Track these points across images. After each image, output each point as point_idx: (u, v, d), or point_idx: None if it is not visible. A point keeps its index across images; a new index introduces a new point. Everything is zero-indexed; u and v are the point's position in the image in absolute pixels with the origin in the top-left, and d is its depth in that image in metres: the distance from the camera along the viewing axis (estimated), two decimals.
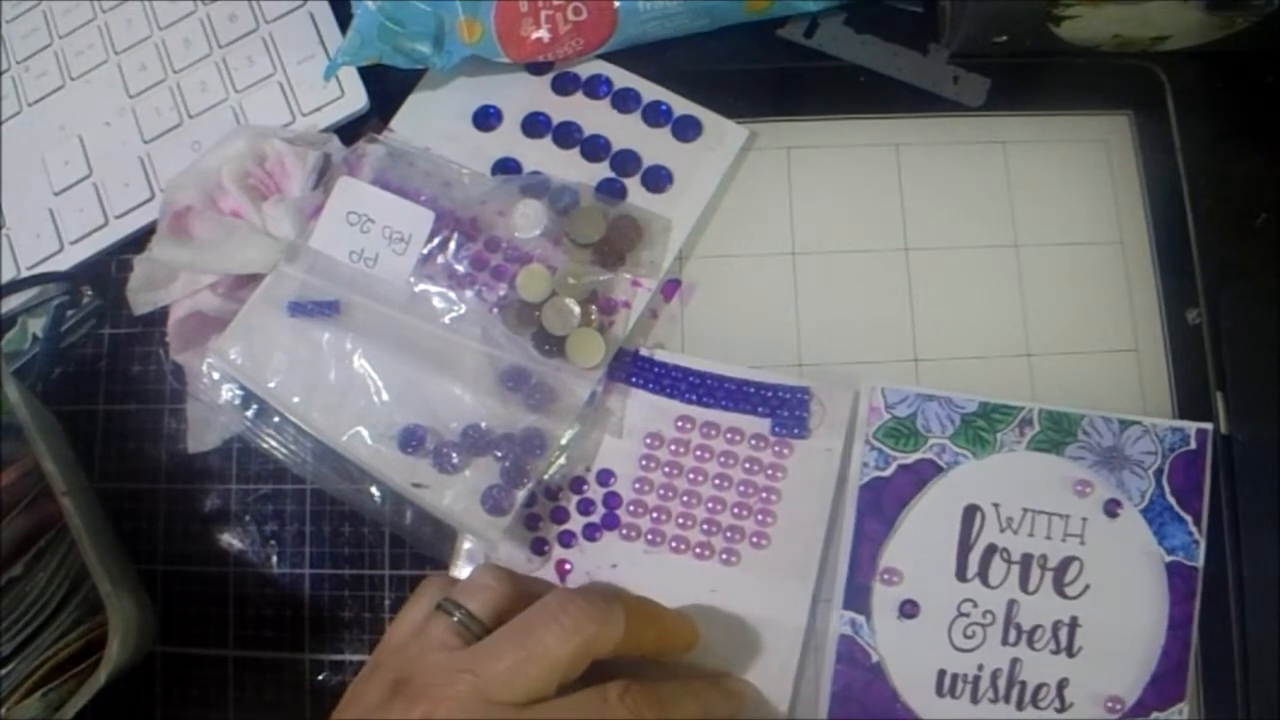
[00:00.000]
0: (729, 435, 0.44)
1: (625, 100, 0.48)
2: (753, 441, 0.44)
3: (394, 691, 0.34)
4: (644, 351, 0.45)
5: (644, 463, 0.44)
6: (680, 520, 0.44)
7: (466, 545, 0.44)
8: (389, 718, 0.33)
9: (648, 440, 0.44)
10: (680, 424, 0.44)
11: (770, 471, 0.44)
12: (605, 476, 0.44)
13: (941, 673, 0.42)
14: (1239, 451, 0.43)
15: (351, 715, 0.35)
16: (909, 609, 0.42)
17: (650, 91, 0.48)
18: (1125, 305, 0.46)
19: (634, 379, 0.45)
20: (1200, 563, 0.42)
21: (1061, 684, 0.41)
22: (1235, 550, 0.42)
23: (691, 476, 0.44)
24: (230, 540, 0.46)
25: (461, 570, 0.44)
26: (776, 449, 0.44)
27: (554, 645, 0.34)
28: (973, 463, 0.43)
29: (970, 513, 0.43)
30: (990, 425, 0.43)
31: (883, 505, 0.43)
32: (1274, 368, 0.43)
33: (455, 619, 0.36)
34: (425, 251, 0.45)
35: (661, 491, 0.44)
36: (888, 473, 0.43)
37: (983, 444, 0.43)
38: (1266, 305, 0.44)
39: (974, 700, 0.41)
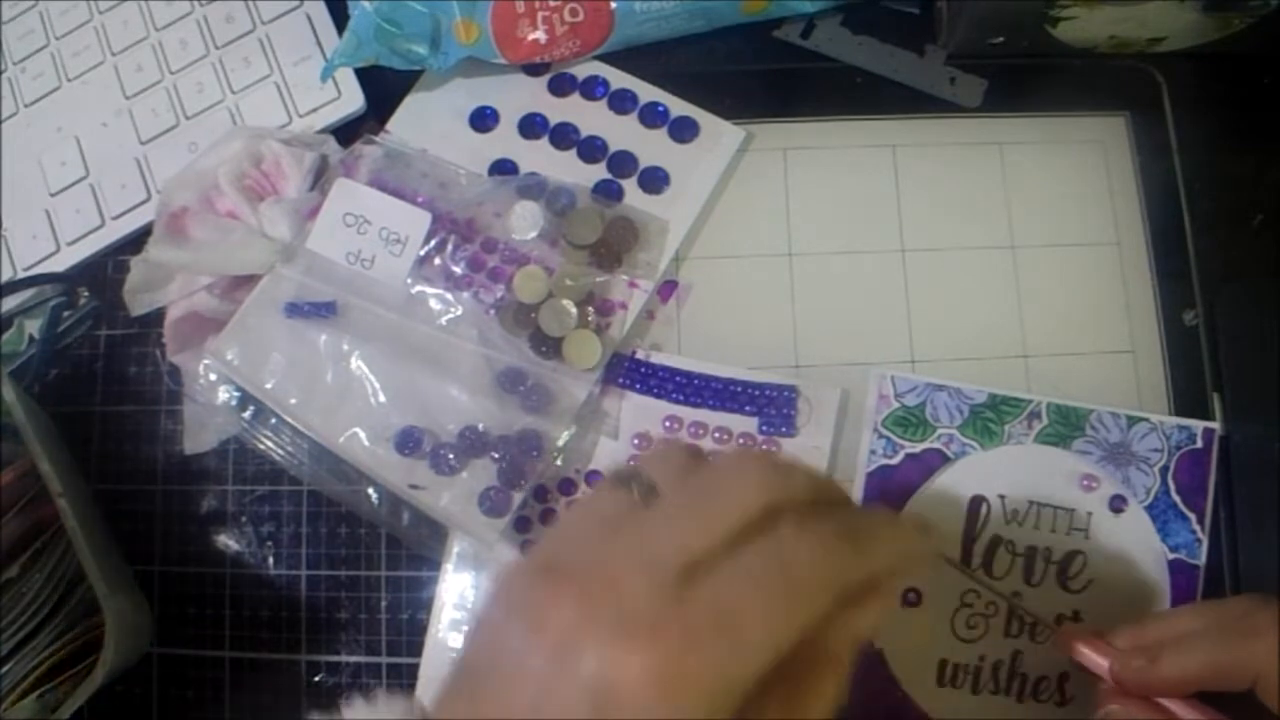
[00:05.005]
0: (717, 434, 0.44)
1: (622, 101, 0.48)
2: (741, 440, 0.44)
3: (536, 580, 0.29)
4: (636, 354, 0.45)
5: (632, 463, 0.44)
6: None
7: (457, 548, 0.44)
8: (534, 613, 0.28)
9: (635, 441, 0.44)
10: (668, 424, 0.44)
11: None
12: (594, 478, 0.44)
13: (943, 662, 0.42)
14: (1236, 452, 0.43)
15: (491, 618, 0.30)
16: (911, 597, 0.42)
17: (647, 93, 0.48)
18: (1122, 306, 0.46)
19: (622, 380, 0.45)
20: (1202, 561, 0.42)
21: (1062, 677, 0.41)
22: (1232, 549, 0.42)
23: None
24: (227, 541, 0.46)
25: (453, 570, 0.44)
26: (765, 448, 0.44)
27: (735, 499, 0.29)
28: (980, 454, 0.43)
29: (976, 503, 0.43)
30: (999, 417, 0.43)
31: (889, 493, 0.43)
32: (1271, 368, 0.43)
33: (635, 490, 0.31)
34: (422, 253, 0.45)
35: None
36: (895, 461, 0.43)
37: (991, 435, 0.43)
38: (1264, 306, 0.44)
39: (974, 691, 0.41)
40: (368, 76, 0.48)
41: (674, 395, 0.44)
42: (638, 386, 0.45)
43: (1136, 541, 0.42)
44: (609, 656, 0.26)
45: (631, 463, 0.35)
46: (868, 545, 0.30)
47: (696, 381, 0.44)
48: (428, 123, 0.48)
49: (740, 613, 0.27)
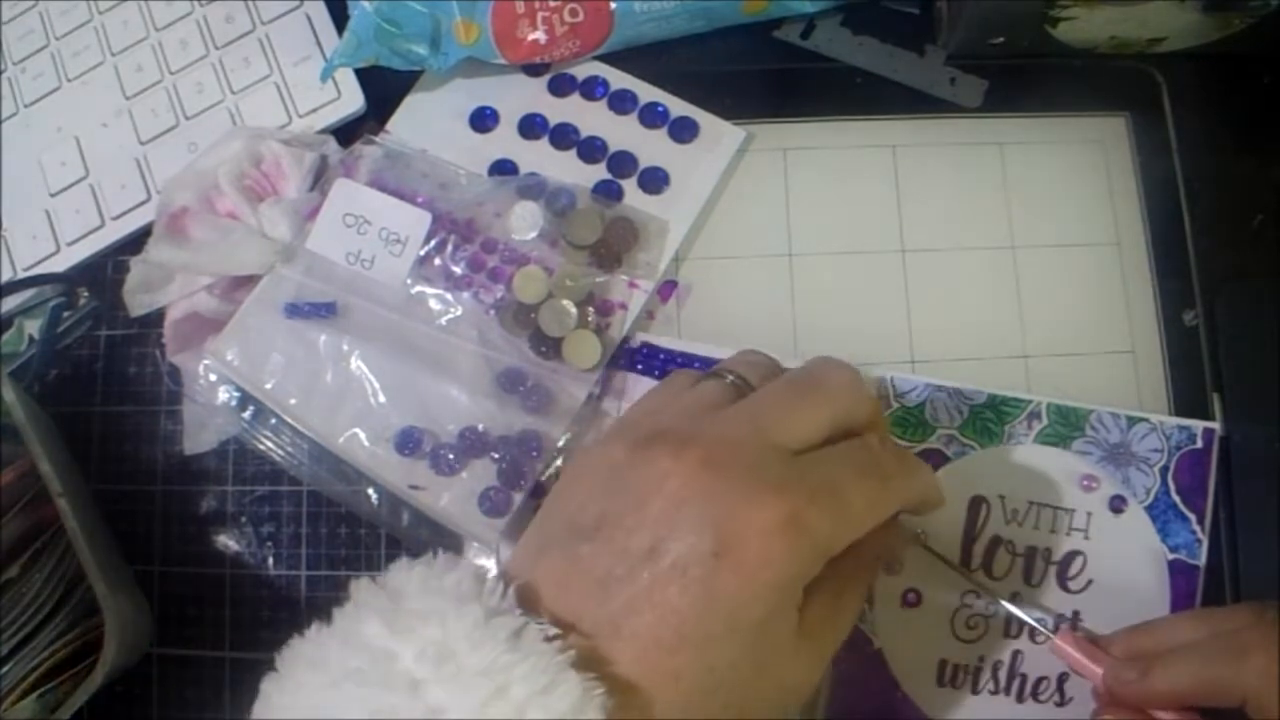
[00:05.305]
0: None
1: (622, 102, 0.48)
2: None
3: (651, 443, 0.31)
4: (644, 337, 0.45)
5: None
6: None
7: (470, 554, 0.44)
8: (652, 467, 0.30)
9: None
10: None
11: None
12: None
13: (943, 663, 0.42)
14: (1236, 452, 0.43)
15: (588, 482, 0.32)
16: (911, 598, 0.42)
17: (647, 93, 0.48)
18: (1122, 307, 0.46)
19: (638, 365, 0.45)
20: (1202, 561, 0.42)
21: (1062, 678, 0.41)
22: (1232, 549, 0.42)
23: None
24: (227, 542, 0.46)
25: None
26: None
27: (831, 394, 0.34)
28: (980, 454, 0.43)
29: (976, 504, 0.43)
30: (998, 417, 0.43)
31: None
32: (1271, 369, 0.43)
33: (729, 380, 0.35)
34: (422, 253, 0.45)
35: None
36: None
37: (990, 436, 0.43)
38: (1263, 306, 0.44)
39: (974, 691, 0.41)
40: (368, 76, 0.48)
41: None
42: (656, 372, 0.44)
43: (1136, 542, 0.42)
44: (738, 506, 0.29)
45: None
46: (915, 473, 0.35)
47: (697, 365, 0.44)
48: (428, 123, 0.48)
49: (845, 487, 0.31)
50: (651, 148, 0.47)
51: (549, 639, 0.27)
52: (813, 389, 0.34)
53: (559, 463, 0.44)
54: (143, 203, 0.49)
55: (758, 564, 0.29)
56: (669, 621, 0.28)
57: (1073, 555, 0.42)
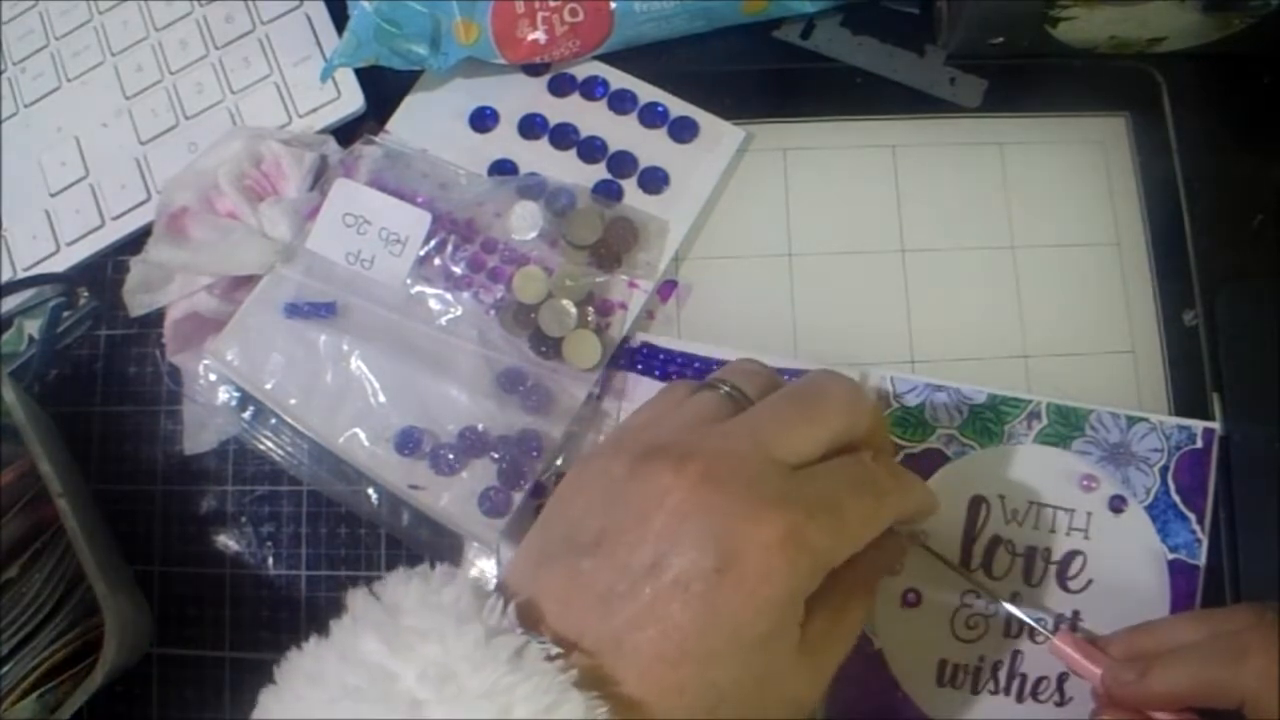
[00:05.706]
0: None
1: (622, 101, 0.48)
2: None
3: (651, 458, 0.31)
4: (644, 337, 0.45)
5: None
6: None
7: (470, 555, 0.44)
8: (653, 482, 0.30)
9: None
10: None
11: None
12: None
13: (943, 663, 0.42)
14: (1236, 452, 0.43)
15: (587, 495, 0.32)
16: (911, 598, 0.42)
17: (647, 93, 0.48)
18: (1122, 307, 0.46)
19: (638, 365, 0.45)
20: (1202, 561, 0.42)
21: (1062, 678, 0.41)
22: (1231, 549, 0.42)
23: None
24: (227, 542, 0.46)
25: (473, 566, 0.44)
26: None
27: (832, 410, 0.34)
28: (980, 454, 0.43)
29: (976, 504, 0.43)
30: (998, 418, 0.43)
31: None
32: (1271, 369, 0.43)
33: (724, 391, 0.35)
34: (422, 253, 0.45)
35: None
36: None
37: (990, 436, 0.43)
38: (1263, 306, 0.44)
39: (974, 691, 0.41)
40: (368, 76, 0.48)
41: (677, 376, 0.44)
42: (657, 372, 0.44)
43: (1136, 541, 0.42)
44: (739, 522, 0.29)
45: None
46: (909, 489, 0.36)
47: (697, 365, 0.44)
48: (428, 123, 0.48)
49: (842, 503, 0.32)
50: (651, 148, 0.47)
51: (551, 658, 0.27)
52: (813, 404, 0.34)
53: (559, 462, 0.44)
54: (143, 203, 0.49)
55: (758, 579, 0.29)
56: (671, 637, 0.29)
57: (1072, 555, 0.42)
